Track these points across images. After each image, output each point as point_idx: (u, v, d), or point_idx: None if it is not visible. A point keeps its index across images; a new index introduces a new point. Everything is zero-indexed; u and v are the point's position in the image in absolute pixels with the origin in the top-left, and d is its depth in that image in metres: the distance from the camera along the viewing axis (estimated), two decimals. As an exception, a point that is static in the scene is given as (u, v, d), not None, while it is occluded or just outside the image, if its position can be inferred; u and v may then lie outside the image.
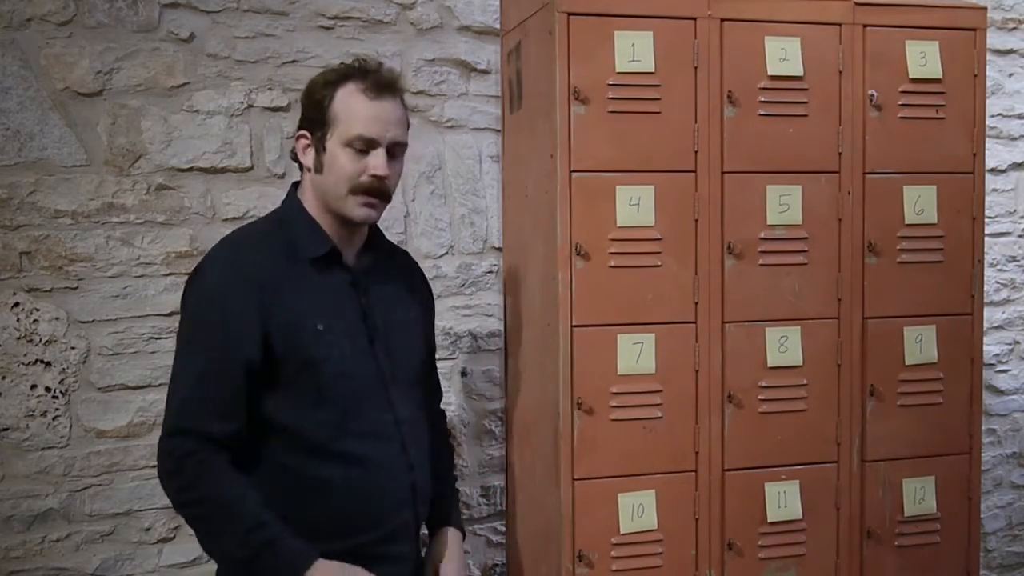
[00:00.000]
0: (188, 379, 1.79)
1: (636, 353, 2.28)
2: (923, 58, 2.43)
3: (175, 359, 1.84)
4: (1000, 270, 3.17)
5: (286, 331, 1.77)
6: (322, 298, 1.83)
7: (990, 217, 3.06)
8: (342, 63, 1.91)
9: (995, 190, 3.13)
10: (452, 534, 2.05)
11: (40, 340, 2.39)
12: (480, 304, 2.73)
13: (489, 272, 2.74)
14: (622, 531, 2.28)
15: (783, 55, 2.34)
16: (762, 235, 2.35)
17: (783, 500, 2.38)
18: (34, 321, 2.38)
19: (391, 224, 2.53)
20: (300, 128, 1.87)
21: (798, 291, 2.38)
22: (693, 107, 2.29)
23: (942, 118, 2.47)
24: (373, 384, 1.86)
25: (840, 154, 2.40)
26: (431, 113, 2.66)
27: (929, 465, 2.50)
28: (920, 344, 2.47)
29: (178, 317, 2.44)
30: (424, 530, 2.04)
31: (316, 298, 1.82)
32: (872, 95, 2.41)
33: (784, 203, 2.36)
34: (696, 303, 2.32)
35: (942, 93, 2.46)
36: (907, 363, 2.46)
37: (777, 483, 2.38)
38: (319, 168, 1.83)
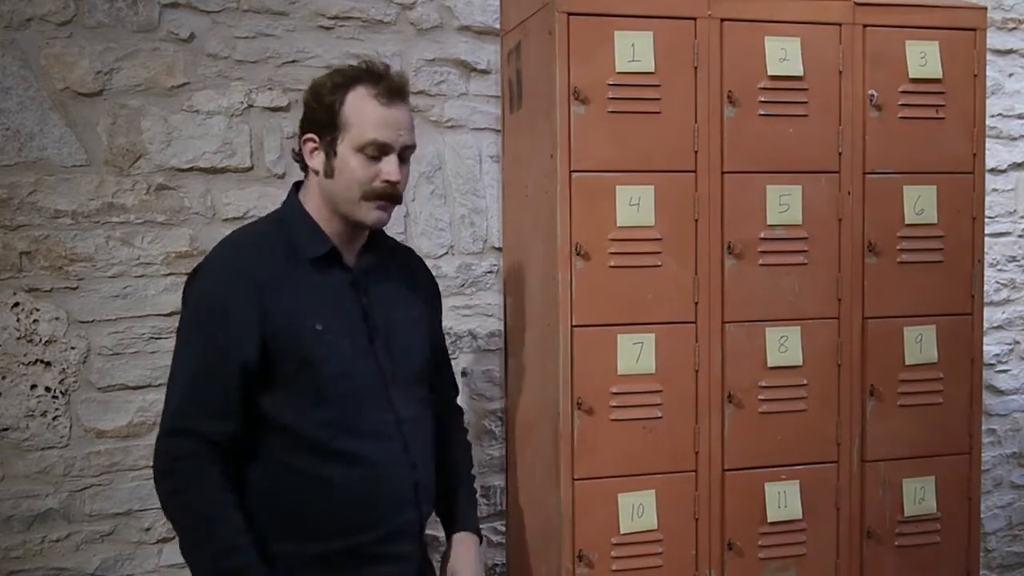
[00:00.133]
0: (185, 379, 1.79)
1: (636, 353, 2.28)
2: (923, 58, 2.43)
3: (174, 358, 1.84)
4: (1000, 270, 3.17)
5: (285, 331, 1.77)
6: (321, 298, 1.83)
7: (990, 217, 3.06)
8: (349, 65, 1.90)
9: (995, 190, 3.13)
10: (468, 539, 2.03)
11: (40, 340, 2.39)
12: (480, 304, 2.73)
13: (489, 272, 2.74)
14: (622, 531, 2.28)
15: (783, 55, 2.34)
16: (762, 235, 2.35)
17: (783, 500, 2.38)
18: (34, 321, 2.38)
19: (391, 224, 2.51)
20: (307, 131, 1.85)
21: (798, 291, 2.38)
22: (693, 107, 2.29)
23: (942, 118, 2.47)
24: (373, 384, 1.85)
25: (840, 154, 2.40)
26: (431, 113, 2.66)
27: (929, 465, 2.50)
28: (920, 344, 2.47)
29: (178, 317, 2.46)
30: (429, 529, 2.04)
31: (315, 298, 1.82)
32: (872, 95, 2.41)
33: (784, 203, 2.36)
34: (696, 303, 2.32)
35: (942, 93, 2.46)
36: (907, 363, 2.46)
37: (777, 483, 2.38)
38: (329, 173, 1.82)
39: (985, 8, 2.54)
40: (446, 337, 2.66)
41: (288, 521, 1.80)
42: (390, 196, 1.84)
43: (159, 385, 2.46)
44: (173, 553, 2.49)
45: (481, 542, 2.08)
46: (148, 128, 2.44)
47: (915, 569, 2.50)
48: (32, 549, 2.40)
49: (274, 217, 1.94)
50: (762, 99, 2.33)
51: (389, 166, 1.81)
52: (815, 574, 2.43)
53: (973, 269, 2.51)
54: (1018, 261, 3.20)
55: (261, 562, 1.75)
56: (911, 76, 2.43)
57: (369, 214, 1.83)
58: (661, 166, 2.28)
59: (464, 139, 2.70)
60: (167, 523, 2.46)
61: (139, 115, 2.43)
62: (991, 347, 3.13)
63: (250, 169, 2.53)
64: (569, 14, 2.21)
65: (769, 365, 2.37)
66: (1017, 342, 3.22)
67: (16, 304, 2.37)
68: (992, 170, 3.06)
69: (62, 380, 2.41)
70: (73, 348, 2.41)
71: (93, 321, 2.42)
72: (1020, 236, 3.20)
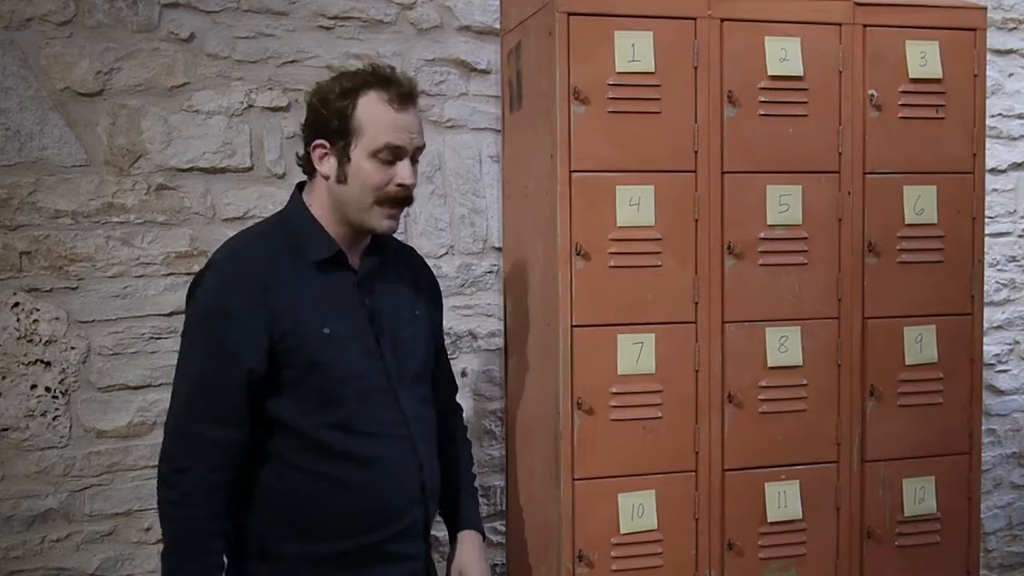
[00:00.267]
0: (191, 384, 1.78)
1: (636, 353, 2.28)
2: (923, 58, 2.43)
3: (179, 361, 1.83)
4: (1000, 270, 3.17)
5: (292, 335, 1.77)
6: (328, 301, 1.83)
7: (990, 217, 3.06)
8: (354, 69, 1.89)
9: (995, 190, 3.13)
10: (473, 537, 2.05)
11: (40, 340, 2.39)
12: (480, 304, 2.73)
13: (489, 272, 2.74)
14: (622, 531, 2.28)
15: (783, 55, 2.34)
16: (762, 235, 2.35)
17: (783, 500, 2.38)
18: (34, 321, 2.38)
19: (391, 224, 2.53)
20: (315, 137, 1.83)
21: (798, 291, 2.38)
22: (693, 107, 2.29)
23: (942, 118, 2.47)
24: (380, 384, 1.86)
25: (840, 154, 2.40)
26: (431, 113, 2.65)
27: (929, 465, 2.50)
28: (920, 344, 2.47)
29: (178, 317, 2.46)
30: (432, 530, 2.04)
31: (322, 301, 1.82)
32: (872, 95, 2.41)
33: (784, 203, 2.36)
34: (696, 303, 2.32)
35: (942, 93, 2.46)
36: (907, 363, 2.46)
37: (777, 483, 2.38)
38: (342, 178, 1.81)
39: (985, 8, 2.54)
40: (446, 337, 2.67)
41: (297, 522, 1.80)
42: (403, 199, 1.85)
43: (159, 385, 2.47)
44: (173, 553, 2.50)
45: (484, 540, 2.09)
46: (148, 128, 2.44)
47: (915, 569, 2.50)
48: (32, 549, 2.40)
49: (278, 219, 1.92)
50: (762, 99, 2.33)
51: (403, 170, 1.82)
52: (815, 574, 2.43)
53: (973, 269, 2.51)
54: (1018, 261, 3.20)
55: None
56: (911, 76, 2.43)
57: (381, 222, 1.84)
58: (661, 166, 2.28)
59: (464, 139, 2.70)
60: (167, 523, 2.47)
61: (139, 115, 2.43)
62: (991, 347, 3.13)
63: (250, 169, 2.53)
64: (569, 14, 2.20)
65: (769, 365, 2.37)
66: (1017, 342, 3.22)
67: (16, 304, 2.37)
68: (992, 170, 3.06)
69: (62, 380, 2.41)
70: (73, 348, 2.41)
71: (93, 321, 2.42)
72: (1020, 236, 3.20)
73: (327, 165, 1.83)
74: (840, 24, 2.38)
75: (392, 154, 1.80)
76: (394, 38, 2.63)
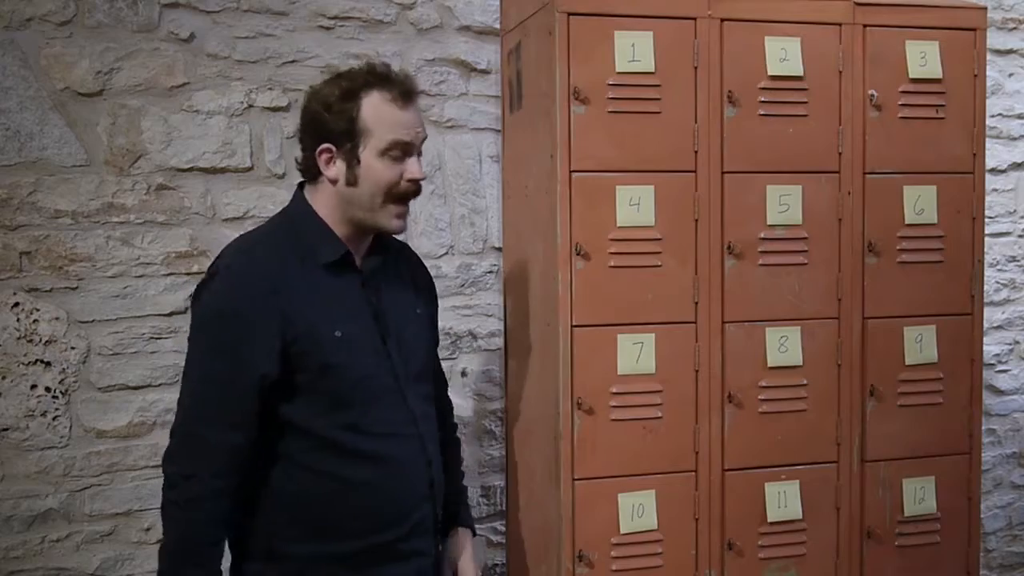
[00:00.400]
0: (203, 389, 1.77)
1: (636, 353, 2.28)
2: (923, 58, 2.43)
3: (188, 365, 1.81)
4: (1000, 270, 3.17)
5: (305, 338, 1.76)
6: (337, 303, 1.83)
7: (990, 217, 3.06)
8: (348, 70, 1.87)
9: (995, 190, 3.13)
10: (465, 535, 2.07)
11: (40, 340, 2.39)
12: (480, 304, 2.73)
13: (489, 272, 2.74)
14: (622, 531, 2.28)
15: (783, 55, 2.34)
16: (762, 235, 2.35)
17: (783, 500, 2.38)
18: (34, 321, 2.38)
19: (391, 224, 2.53)
20: (320, 141, 1.81)
21: (798, 291, 2.38)
22: (693, 107, 2.29)
23: (942, 118, 2.47)
24: (389, 384, 1.86)
25: (840, 154, 2.40)
26: (431, 113, 2.65)
27: (929, 465, 2.50)
28: (920, 344, 2.47)
29: (178, 317, 2.46)
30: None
31: (332, 303, 1.82)
32: (872, 95, 2.41)
33: (784, 203, 2.36)
34: (696, 303, 2.32)
35: (942, 93, 2.46)
36: (907, 363, 2.46)
37: (777, 483, 2.38)
38: (352, 181, 1.81)
39: (985, 8, 2.54)
40: (446, 337, 2.69)
41: (309, 522, 1.80)
42: (414, 194, 1.87)
43: (159, 385, 2.47)
44: (173, 553, 2.50)
45: (474, 535, 2.11)
46: (148, 128, 2.44)
47: (915, 569, 2.50)
48: (32, 549, 2.40)
49: (282, 221, 1.90)
50: (762, 99, 2.33)
51: (413, 165, 1.83)
52: (815, 574, 2.43)
53: (973, 269, 2.51)
54: (1018, 261, 3.20)
55: None
56: (911, 76, 2.43)
57: (392, 221, 1.85)
58: (661, 166, 2.28)
59: (464, 139, 2.70)
60: (167, 523, 2.47)
61: (139, 115, 2.43)
62: (991, 347, 3.13)
63: (250, 169, 2.53)
64: (569, 14, 2.20)
65: (769, 365, 2.37)
66: (1017, 342, 3.22)
67: (16, 304, 2.37)
68: (992, 170, 3.06)
69: (62, 380, 2.41)
70: (73, 348, 2.41)
71: (93, 321, 2.42)
72: (1020, 236, 3.20)
73: (334, 169, 1.81)
74: (840, 24, 2.38)
75: (401, 151, 1.81)
76: (394, 38, 2.63)
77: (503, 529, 2.77)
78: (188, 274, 2.48)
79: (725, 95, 2.31)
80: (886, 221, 2.44)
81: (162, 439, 2.46)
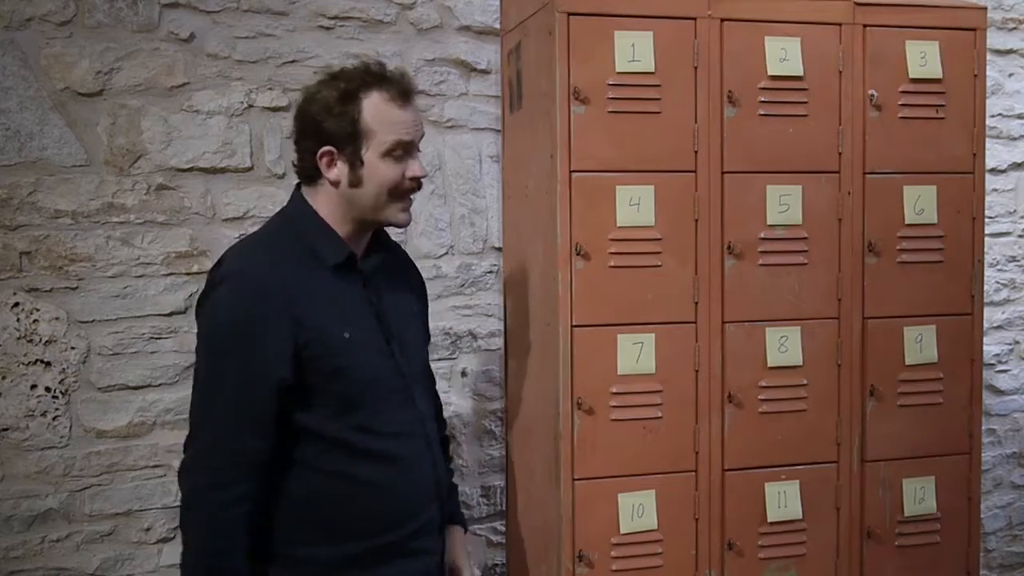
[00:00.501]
0: (222, 399, 1.74)
1: (636, 353, 2.28)
2: (923, 58, 2.43)
3: (204, 375, 1.78)
4: (1000, 270, 3.17)
5: (316, 342, 1.76)
6: (344, 305, 1.82)
7: (990, 217, 3.06)
8: (343, 69, 1.86)
9: (995, 190, 3.13)
10: (458, 532, 2.07)
11: (40, 340, 2.39)
12: (480, 304, 2.73)
13: (489, 272, 2.74)
14: (622, 531, 2.28)
15: (783, 55, 2.34)
16: (762, 235, 2.35)
17: (783, 500, 2.38)
18: (34, 321, 2.38)
19: (391, 224, 2.53)
20: (319, 144, 1.80)
21: (798, 291, 2.38)
22: (693, 107, 2.29)
23: (942, 118, 2.47)
24: (396, 385, 1.86)
25: (840, 154, 2.40)
26: (431, 113, 2.66)
27: (929, 465, 2.50)
28: (920, 344, 2.47)
29: (178, 317, 2.46)
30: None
31: (339, 305, 1.81)
32: (872, 95, 2.41)
33: (784, 203, 2.36)
34: (696, 303, 2.32)
35: (942, 93, 2.46)
36: (907, 363, 2.46)
37: (777, 483, 2.38)
38: (356, 182, 1.80)
39: (985, 8, 2.54)
40: (446, 337, 2.69)
41: (323, 524, 1.80)
42: (415, 190, 1.88)
43: (159, 385, 2.47)
44: (173, 553, 2.49)
45: (465, 532, 2.12)
46: (148, 128, 2.44)
47: (915, 569, 2.50)
48: (32, 549, 2.40)
49: (283, 223, 1.88)
50: (762, 99, 2.33)
51: (415, 164, 1.84)
52: (815, 574, 2.43)
53: (973, 269, 2.51)
54: (1018, 261, 3.20)
55: None
56: (911, 76, 2.43)
57: (398, 215, 1.87)
58: (661, 166, 2.28)
59: (464, 139, 2.70)
60: (167, 523, 2.48)
61: (139, 115, 2.43)
62: (991, 347, 3.13)
63: (250, 169, 2.53)
64: (569, 14, 2.20)
65: (769, 365, 2.37)
66: (1017, 342, 3.22)
67: (16, 304, 2.37)
68: (992, 170, 3.06)
69: (62, 380, 2.41)
70: (73, 348, 2.41)
71: (93, 321, 2.42)
72: (1020, 236, 3.20)
73: (336, 171, 1.81)
74: (840, 24, 2.38)
75: (403, 150, 1.81)
76: (394, 38, 2.63)
77: (503, 529, 2.76)
78: (188, 274, 2.48)
79: (725, 95, 2.31)
80: (886, 221, 2.44)
81: (162, 439, 2.48)
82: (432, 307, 2.66)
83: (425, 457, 1.89)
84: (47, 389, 2.40)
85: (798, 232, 2.38)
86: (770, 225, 2.36)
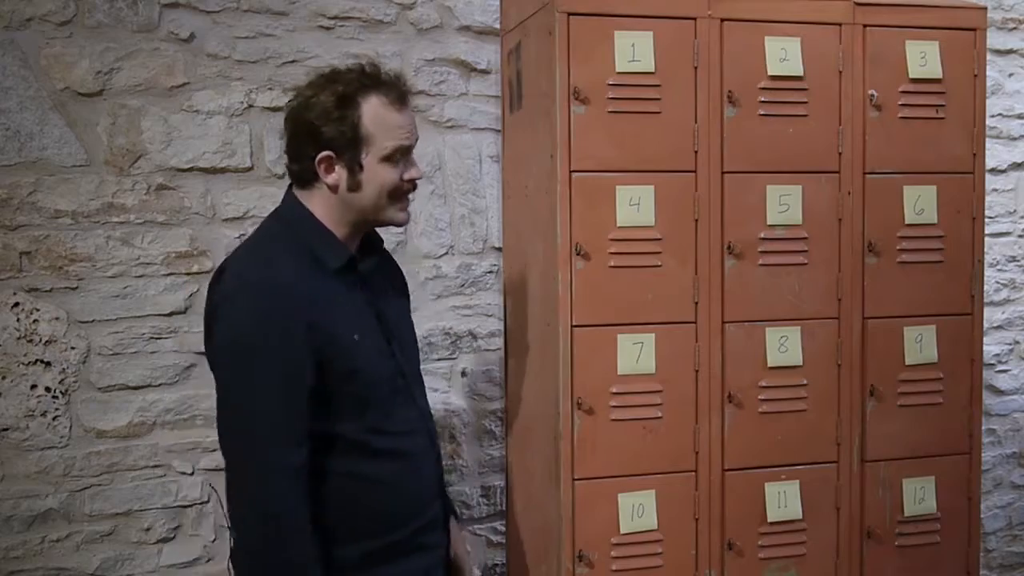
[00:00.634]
0: (262, 413, 1.70)
1: (636, 353, 2.28)
2: (923, 58, 2.43)
3: (235, 391, 1.72)
4: (1000, 270, 3.17)
5: (330, 345, 1.74)
6: (349, 307, 1.82)
7: (990, 217, 3.06)
8: (336, 71, 1.83)
9: (995, 190, 3.13)
10: (455, 523, 2.09)
11: (40, 340, 2.39)
12: (480, 304, 2.73)
13: (489, 272, 2.74)
14: (622, 531, 2.28)
15: (783, 55, 2.34)
16: (762, 235, 2.35)
17: (783, 500, 2.38)
18: (34, 321, 2.38)
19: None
20: (317, 150, 1.78)
21: (798, 291, 2.38)
22: (693, 107, 2.29)
23: (942, 118, 2.46)
24: (399, 384, 1.87)
25: (840, 154, 2.40)
26: (431, 113, 2.66)
27: (929, 465, 2.50)
28: (920, 344, 2.47)
29: (178, 317, 2.46)
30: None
31: (345, 308, 1.81)
32: (872, 95, 2.41)
33: (784, 203, 2.36)
34: (696, 303, 2.32)
35: (942, 93, 2.46)
36: (907, 363, 2.46)
37: (777, 483, 2.38)
38: (355, 187, 1.79)
39: (985, 8, 2.53)
40: (446, 337, 2.69)
41: (337, 526, 1.79)
42: (413, 191, 1.88)
43: (159, 385, 2.47)
44: (173, 553, 2.50)
45: (459, 523, 2.14)
46: (148, 128, 2.44)
47: (915, 569, 2.50)
48: (32, 549, 2.40)
49: (283, 228, 1.86)
50: (762, 99, 2.33)
51: (413, 166, 1.84)
52: (815, 574, 2.43)
53: (973, 269, 2.51)
54: (1018, 261, 3.20)
55: None
56: (911, 76, 2.43)
57: (398, 215, 1.86)
58: (661, 166, 2.28)
59: (464, 139, 2.70)
60: (167, 523, 2.48)
61: (139, 115, 2.43)
62: (991, 347, 3.13)
63: (250, 169, 2.53)
64: (569, 14, 2.20)
65: (769, 365, 2.37)
66: (1017, 342, 3.22)
67: (16, 304, 2.37)
68: (992, 170, 3.06)
69: (62, 380, 2.41)
70: (73, 348, 2.41)
71: (93, 321, 2.42)
72: (1020, 236, 3.20)
73: (334, 176, 1.79)
74: (840, 24, 2.38)
75: (402, 154, 1.81)
76: (394, 38, 2.62)
77: (503, 529, 2.76)
78: (188, 274, 2.48)
79: (725, 95, 2.31)
80: (886, 221, 2.44)
81: (162, 439, 2.48)
82: (432, 307, 2.68)
83: (429, 454, 1.91)
84: (47, 389, 2.40)
85: (798, 232, 2.38)
86: (770, 225, 2.36)
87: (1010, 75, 3.15)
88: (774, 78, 2.34)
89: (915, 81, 2.43)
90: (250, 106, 2.51)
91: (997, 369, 3.19)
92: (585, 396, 2.25)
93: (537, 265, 2.41)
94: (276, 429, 1.70)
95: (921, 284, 2.47)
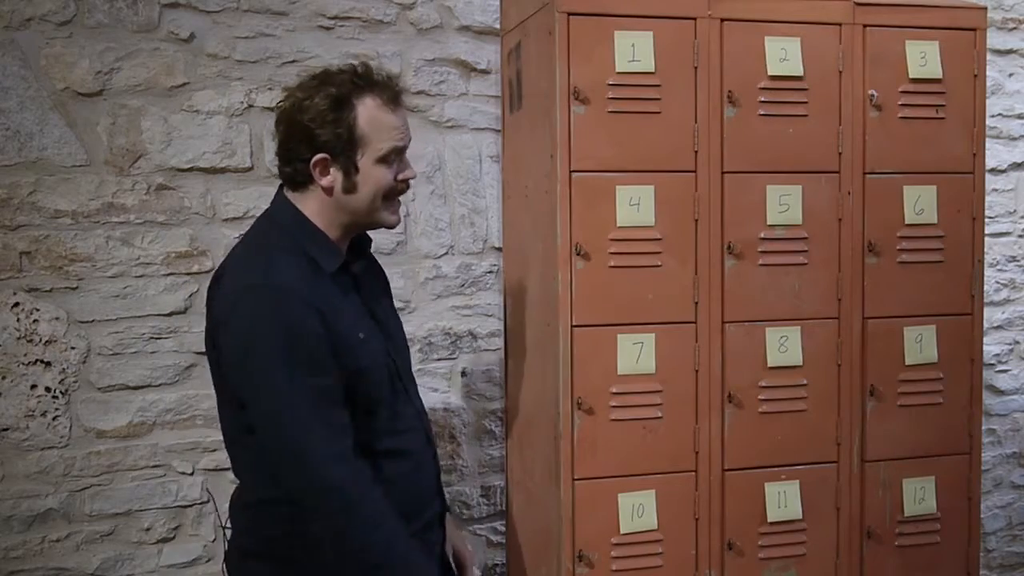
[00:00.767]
0: (309, 410, 1.69)
1: (636, 353, 2.28)
2: (923, 58, 2.43)
3: (276, 397, 1.69)
4: (1000, 270, 3.17)
5: (341, 345, 1.74)
6: (350, 307, 1.82)
7: (990, 217, 3.06)
8: (327, 72, 1.81)
9: (995, 190, 3.13)
10: (452, 518, 2.09)
11: (40, 340, 2.39)
12: (480, 304, 2.73)
13: (489, 272, 2.74)
14: (622, 531, 2.28)
15: (783, 55, 2.34)
16: (762, 235, 2.35)
17: (783, 500, 2.38)
18: (34, 321, 2.38)
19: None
20: (312, 152, 1.76)
21: (798, 291, 2.38)
22: (693, 107, 2.29)
23: (942, 118, 2.46)
24: (396, 382, 1.87)
25: (840, 154, 2.40)
26: (431, 113, 2.66)
27: (929, 465, 2.50)
28: (920, 344, 2.47)
29: (178, 317, 2.46)
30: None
31: (348, 308, 1.81)
32: (872, 95, 2.41)
33: (784, 203, 2.36)
34: (696, 303, 2.32)
35: (942, 93, 2.46)
36: (907, 363, 2.46)
37: (777, 483, 2.38)
38: (351, 188, 1.79)
39: (985, 8, 2.53)
40: (446, 337, 2.69)
41: None
42: (406, 191, 1.87)
43: (159, 385, 2.47)
44: (173, 553, 2.50)
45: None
46: (148, 128, 2.44)
47: (915, 569, 2.50)
48: (32, 549, 2.40)
49: (279, 231, 1.83)
50: (762, 99, 2.33)
51: (407, 166, 1.84)
52: (815, 574, 2.43)
53: (973, 269, 2.51)
54: (1018, 261, 3.20)
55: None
56: (911, 76, 2.43)
57: (390, 217, 1.86)
58: (661, 166, 2.28)
59: (464, 139, 2.70)
60: (167, 523, 2.48)
61: (139, 115, 2.43)
62: (991, 347, 3.13)
63: (250, 169, 2.53)
64: (569, 14, 2.20)
65: (769, 365, 2.37)
66: (1017, 342, 3.22)
67: (16, 304, 2.37)
68: (992, 170, 3.06)
69: (62, 380, 2.41)
70: (73, 348, 2.41)
71: (93, 321, 2.42)
72: (1020, 236, 3.20)
73: (329, 178, 1.79)
74: (840, 24, 2.38)
75: (397, 155, 1.81)
76: (394, 38, 2.62)
77: (503, 529, 2.76)
78: (188, 274, 2.48)
79: (725, 95, 2.31)
80: (886, 221, 2.44)
81: (162, 439, 2.48)
82: (432, 307, 2.69)
83: (427, 451, 1.92)
84: (47, 389, 2.40)
85: (798, 232, 2.38)
86: (770, 225, 2.36)
87: (1010, 75, 3.15)
88: (774, 78, 2.34)
89: (915, 81, 2.43)
90: (250, 106, 2.51)
91: (997, 369, 3.19)
92: (585, 396, 2.25)
93: (537, 265, 2.41)
94: (329, 421, 1.69)
95: (921, 284, 2.47)
